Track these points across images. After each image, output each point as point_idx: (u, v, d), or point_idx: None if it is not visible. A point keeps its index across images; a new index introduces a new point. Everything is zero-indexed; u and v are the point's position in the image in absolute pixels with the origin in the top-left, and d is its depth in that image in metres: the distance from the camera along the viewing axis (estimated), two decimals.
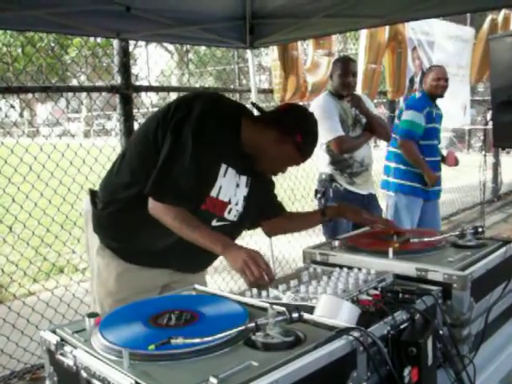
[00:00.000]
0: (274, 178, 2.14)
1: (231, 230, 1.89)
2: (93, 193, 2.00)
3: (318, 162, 3.55)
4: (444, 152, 4.23)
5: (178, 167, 1.70)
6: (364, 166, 3.44)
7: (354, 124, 3.43)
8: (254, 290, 1.43)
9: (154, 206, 1.72)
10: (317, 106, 3.41)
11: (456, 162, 4.14)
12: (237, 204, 1.88)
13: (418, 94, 4.06)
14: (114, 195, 1.89)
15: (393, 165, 3.97)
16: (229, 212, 1.86)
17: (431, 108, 3.93)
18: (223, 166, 1.80)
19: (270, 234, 2.26)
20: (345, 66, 3.41)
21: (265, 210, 2.08)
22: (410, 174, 3.89)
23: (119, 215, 1.88)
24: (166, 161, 1.71)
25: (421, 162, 3.83)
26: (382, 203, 3.84)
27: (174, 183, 1.70)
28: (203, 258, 1.85)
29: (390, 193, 3.98)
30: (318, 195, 3.52)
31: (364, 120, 3.43)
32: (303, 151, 1.86)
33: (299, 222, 2.22)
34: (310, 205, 6.65)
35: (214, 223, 1.85)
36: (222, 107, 1.82)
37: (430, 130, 3.90)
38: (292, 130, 1.81)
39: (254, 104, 2.02)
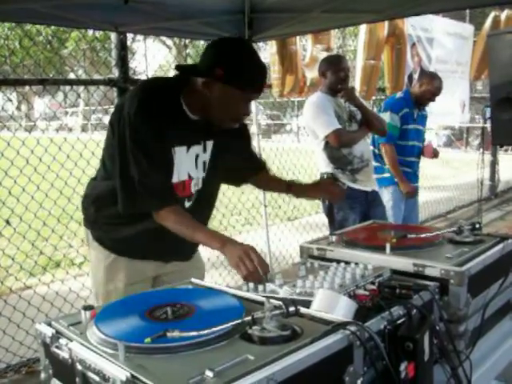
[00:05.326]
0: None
1: (200, 199, 1.90)
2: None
3: (318, 163, 3.54)
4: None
5: (137, 176, 1.71)
6: (364, 161, 3.41)
7: (350, 120, 3.41)
8: (251, 284, 1.43)
9: (155, 216, 1.75)
10: (311, 103, 3.41)
11: (434, 154, 4.11)
12: (197, 173, 1.88)
13: (399, 94, 4.03)
14: (95, 192, 1.97)
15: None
16: (194, 186, 1.87)
17: (411, 109, 3.91)
18: (172, 150, 1.77)
19: (259, 187, 2.29)
20: (338, 62, 3.41)
21: (243, 167, 2.07)
22: (386, 170, 3.94)
23: (100, 209, 1.94)
24: (122, 175, 1.74)
25: (397, 171, 3.87)
26: None
27: (145, 190, 1.71)
28: (185, 245, 1.83)
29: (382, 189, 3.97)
30: None
31: (359, 116, 3.43)
32: (235, 82, 1.67)
33: (267, 182, 2.22)
34: (307, 201, 6.66)
35: (187, 204, 1.87)
36: (151, 94, 1.75)
37: (409, 132, 3.89)
38: (209, 69, 1.67)
39: (177, 67, 1.86)
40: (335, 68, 3.36)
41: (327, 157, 3.39)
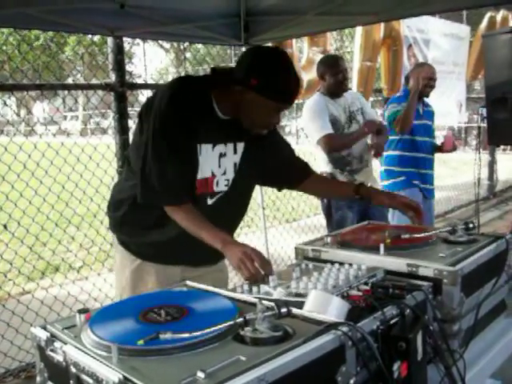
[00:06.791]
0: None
1: (227, 200, 1.90)
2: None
3: (318, 162, 3.55)
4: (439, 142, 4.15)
5: (160, 167, 1.74)
6: (363, 162, 3.43)
7: (350, 121, 3.42)
8: (245, 286, 1.43)
9: (166, 210, 1.78)
10: (308, 107, 3.45)
11: (454, 147, 4.03)
12: (224, 173, 1.89)
13: (398, 93, 4.01)
14: (121, 195, 1.98)
15: (383, 168, 3.95)
16: (217, 184, 1.88)
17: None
18: (198, 146, 1.80)
19: (305, 191, 2.26)
20: (335, 64, 3.43)
21: (285, 174, 2.07)
22: (401, 173, 3.88)
23: (126, 213, 1.96)
24: (144, 164, 1.77)
25: (408, 105, 3.69)
26: None
27: (164, 185, 1.74)
28: (209, 250, 1.82)
29: None
30: None
31: (360, 117, 3.44)
32: (268, 93, 1.72)
33: (329, 188, 2.24)
34: (306, 202, 6.67)
35: (210, 202, 1.88)
36: (184, 89, 1.79)
37: (418, 127, 3.86)
38: (244, 77, 1.73)
39: (212, 69, 1.90)
40: (333, 70, 3.38)
41: (325, 157, 3.41)
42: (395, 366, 1.18)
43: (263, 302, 1.13)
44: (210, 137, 1.83)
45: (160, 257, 1.96)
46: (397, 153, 3.90)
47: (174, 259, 1.96)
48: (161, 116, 1.74)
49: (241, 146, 1.92)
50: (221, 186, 1.89)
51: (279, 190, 2.24)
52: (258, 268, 1.51)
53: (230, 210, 1.96)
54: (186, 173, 1.79)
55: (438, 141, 4.24)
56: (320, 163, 3.48)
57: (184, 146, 1.76)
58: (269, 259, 1.59)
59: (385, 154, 3.92)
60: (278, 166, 2.05)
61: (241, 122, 1.83)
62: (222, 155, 1.87)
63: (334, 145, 3.32)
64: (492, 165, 8.23)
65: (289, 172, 2.09)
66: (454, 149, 4.05)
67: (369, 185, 3.36)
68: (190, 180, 1.81)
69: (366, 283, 1.41)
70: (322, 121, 3.31)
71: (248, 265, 1.52)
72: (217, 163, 1.86)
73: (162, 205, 1.79)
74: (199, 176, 1.82)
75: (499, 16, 6.84)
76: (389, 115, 3.82)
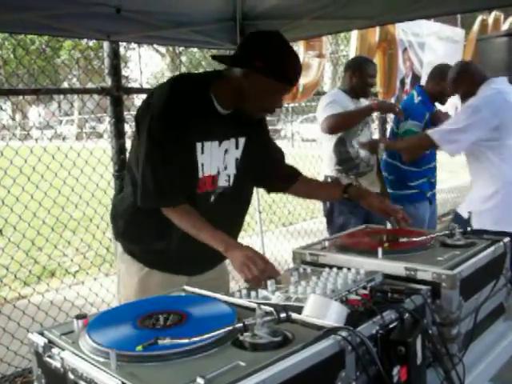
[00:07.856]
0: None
1: (229, 197, 1.89)
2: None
3: (323, 164, 3.54)
4: None
5: (154, 169, 1.73)
6: (370, 166, 3.46)
7: (362, 126, 3.43)
8: (244, 291, 1.43)
9: (164, 212, 1.77)
10: (323, 99, 3.43)
11: None
12: (225, 169, 1.87)
13: (416, 98, 3.67)
14: (123, 205, 1.96)
15: (392, 177, 3.75)
16: (221, 181, 1.87)
17: (431, 111, 3.65)
18: (198, 145, 1.78)
19: (295, 195, 2.24)
20: (369, 67, 3.44)
21: (274, 177, 2.08)
22: (414, 186, 3.67)
23: (130, 221, 1.94)
24: (141, 166, 1.76)
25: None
26: None
27: (158, 186, 1.73)
28: (211, 255, 1.79)
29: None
30: None
31: (371, 123, 3.47)
32: (273, 74, 1.72)
33: (317, 189, 2.20)
34: (302, 205, 6.68)
35: (212, 199, 1.86)
36: (180, 89, 1.78)
37: None
38: (248, 59, 1.73)
39: (213, 57, 1.86)
40: (364, 73, 3.38)
41: (334, 158, 3.41)
42: (395, 371, 1.18)
43: (262, 306, 1.12)
44: (214, 134, 1.81)
45: (166, 264, 1.93)
46: (416, 169, 3.65)
47: (180, 268, 1.93)
48: (157, 117, 1.73)
49: (242, 140, 1.91)
50: (221, 181, 1.87)
51: (269, 192, 2.22)
52: (261, 271, 1.52)
53: (232, 207, 1.93)
54: (183, 173, 1.76)
55: None
56: (325, 166, 3.47)
57: (179, 147, 1.74)
58: (272, 264, 1.58)
59: (396, 163, 3.70)
60: (270, 165, 2.05)
61: (242, 116, 1.83)
62: (226, 152, 1.86)
63: (335, 122, 3.23)
64: None
65: (279, 173, 2.09)
66: None
67: (373, 191, 3.42)
68: (188, 180, 1.79)
69: (364, 287, 1.41)
70: (333, 108, 3.27)
71: (251, 267, 1.53)
72: (222, 160, 1.85)
73: (158, 206, 1.77)
74: (205, 174, 1.81)
75: (491, 19, 6.87)
76: (406, 130, 3.52)
